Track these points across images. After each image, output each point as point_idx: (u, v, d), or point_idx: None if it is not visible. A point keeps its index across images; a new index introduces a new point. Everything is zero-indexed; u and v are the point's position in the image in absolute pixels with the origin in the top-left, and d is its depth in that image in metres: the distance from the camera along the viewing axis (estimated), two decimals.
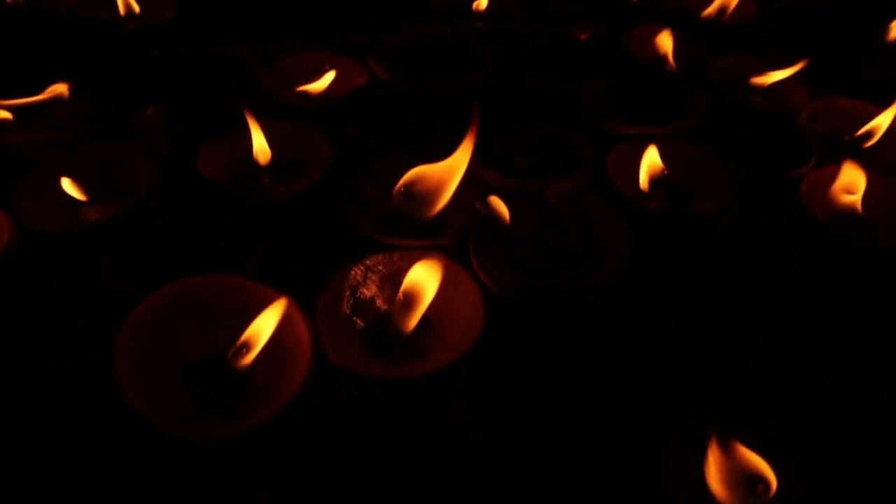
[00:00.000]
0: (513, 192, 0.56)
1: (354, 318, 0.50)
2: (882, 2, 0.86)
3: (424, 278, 0.48)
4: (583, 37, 0.85)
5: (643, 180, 0.61)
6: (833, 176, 0.64)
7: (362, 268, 0.52)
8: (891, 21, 0.84)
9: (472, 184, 0.58)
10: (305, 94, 0.70)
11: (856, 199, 0.61)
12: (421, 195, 0.55)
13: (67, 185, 0.56)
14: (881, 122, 0.69)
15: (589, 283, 0.50)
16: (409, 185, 0.55)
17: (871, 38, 0.85)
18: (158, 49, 0.74)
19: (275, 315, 0.45)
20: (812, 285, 0.57)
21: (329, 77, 0.70)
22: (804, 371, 0.53)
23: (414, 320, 0.48)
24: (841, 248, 0.59)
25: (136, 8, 0.79)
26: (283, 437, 0.43)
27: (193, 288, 0.47)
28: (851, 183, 0.62)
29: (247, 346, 0.44)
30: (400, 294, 0.48)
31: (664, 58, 0.78)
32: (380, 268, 0.52)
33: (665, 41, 0.78)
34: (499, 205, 0.54)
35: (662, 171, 0.61)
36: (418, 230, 0.55)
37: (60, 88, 0.62)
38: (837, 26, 0.87)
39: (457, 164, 0.53)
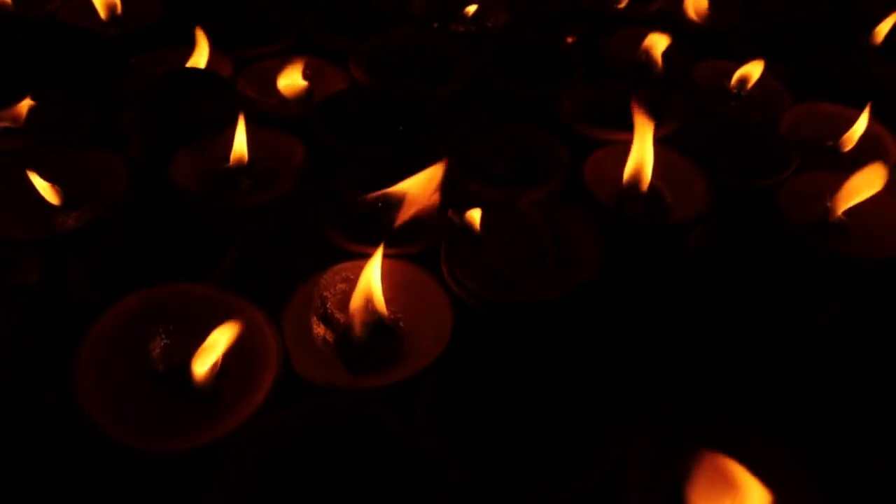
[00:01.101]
0: (487, 200, 0.56)
1: (323, 329, 0.50)
2: (864, 7, 0.86)
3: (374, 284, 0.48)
4: (569, 40, 0.85)
5: (627, 176, 0.61)
6: (812, 182, 0.64)
7: (330, 277, 0.52)
8: (873, 26, 0.83)
9: (447, 190, 0.58)
10: (282, 101, 0.70)
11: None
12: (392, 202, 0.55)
13: (43, 187, 0.55)
14: (856, 128, 0.69)
15: (559, 292, 0.49)
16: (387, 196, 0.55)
17: (854, 42, 0.84)
18: (139, 55, 0.74)
19: (231, 330, 0.45)
20: (788, 295, 0.57)
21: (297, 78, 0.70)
22: (779, 380, 0.53)
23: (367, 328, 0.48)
24: (818, 258, 0.58)
25: (120, 11, 0.79)
26: (250, 446, 0.43)
27: (158, 298, 0.47)
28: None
29: (206, 357, 0.44)
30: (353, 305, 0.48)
31: (645, 63, 0.78)
32: (349, 277, 0.52)
33: (646, 45, 0.78)
34: (471, 213, 0.54)
35: (643, 178, 0.61)
36: (389, 238, 0.54)
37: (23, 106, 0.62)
38: (820, 31, 0.86)
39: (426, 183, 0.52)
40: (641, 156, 0.59)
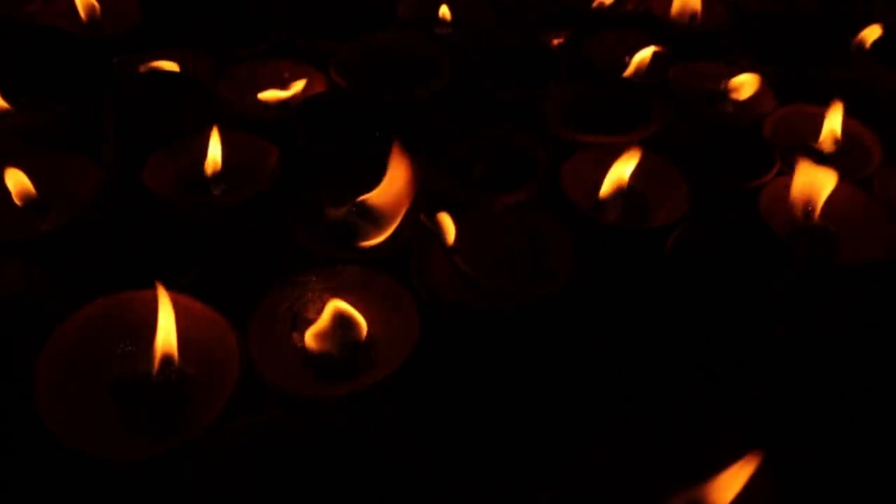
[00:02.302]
0: (461, 203, 0.55)
1: (291, 335, 0.49)
2: (851, 9, 0.85)
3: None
4: (555, 42, 0.84)
5: (605, 189, 0.60)
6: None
7: (301, 283, 0.51)
8: (860, 28, 0.82)
9: (421, 193, 0.57)
10: (262, 104, 0.69)
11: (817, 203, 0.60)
12: (375, 214, 0.54)
13: (16, 189, 0.55)
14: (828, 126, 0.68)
15: (526, 301, 0.49)
16: (363, 203, 0.54)
17: (841, 45, 0.83)
18: (118, 58, 0.73)
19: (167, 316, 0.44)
20: (769, 300, 0.56)
21: (298, 86, 0.69)
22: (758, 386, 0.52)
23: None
24: (800, 262, 0.57)
25: (99, 14, 0.78)
26: (214, 454, 0.42)
27: (121, 305, 0.46)
28: (809, 185, 0.61)
29: (167, 360, 0.43)
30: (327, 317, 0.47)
31: (628, 64, 0.77)
32: (320, 283, 0.51)
33: (631, 47, 0.77)
34: (444, 217, 0.53)
35: (624, 184, 0.60)
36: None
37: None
38: (809, 32, 0.85)
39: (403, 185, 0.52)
40: (621, 172, 0.59)
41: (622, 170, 0.59)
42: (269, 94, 0.69)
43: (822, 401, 0.51)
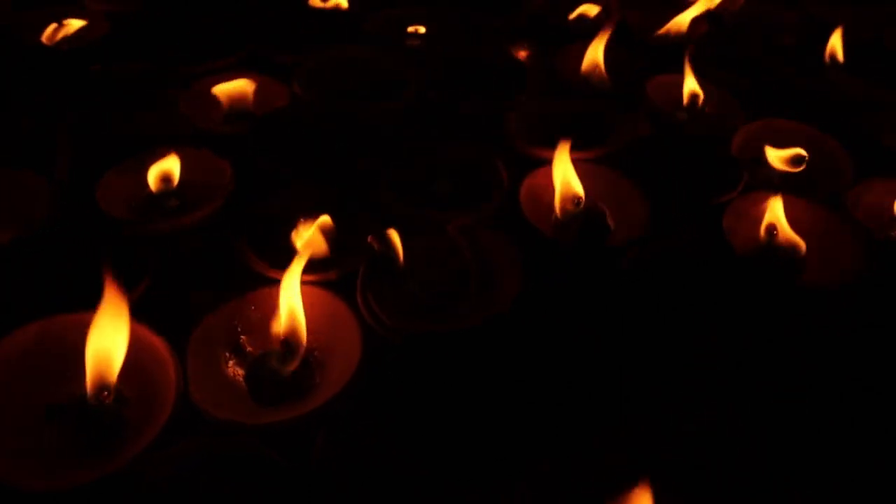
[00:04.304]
0: (413, 223, 0.55)
1: (232, 358, 0.49)
2: (824, 22, 0.84)
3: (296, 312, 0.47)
4: (523, 55, 0.83)
5: (558, 210, 0.59)
6: (760, 203, 0.61)
7: (244, 304, 0.50)
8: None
9: (371, 213, 0.57)
10: (222, 120, 0.68)
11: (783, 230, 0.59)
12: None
13: None
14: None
15: (474, 322, 0.48)
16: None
17: (812, 57, 0.82)
18: (84, 70, 0.73)
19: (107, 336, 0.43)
20: (723, 320, 0.55)
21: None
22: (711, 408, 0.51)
23: (296, 361, 0.47)
24: (760, 283, 0.56)
25: (70, 28, 0.78)
26: (149, 481, 0.42)
27: (54, 329, 0.45)
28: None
29: (102, 383, 0.43)
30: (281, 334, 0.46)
31: (598, 78, 0.76)
32: (263, 304, 0.50)
33: (599, 60, 0.76)
34: (394, 238, 0.52)
35: (579, 200, 0.59)
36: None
37: None
38: (781, 46, 0.84)
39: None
40: (566, 179, 0.58)
41: (570, 184, 0.58)
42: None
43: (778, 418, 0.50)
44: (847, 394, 0.52)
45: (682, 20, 0.84)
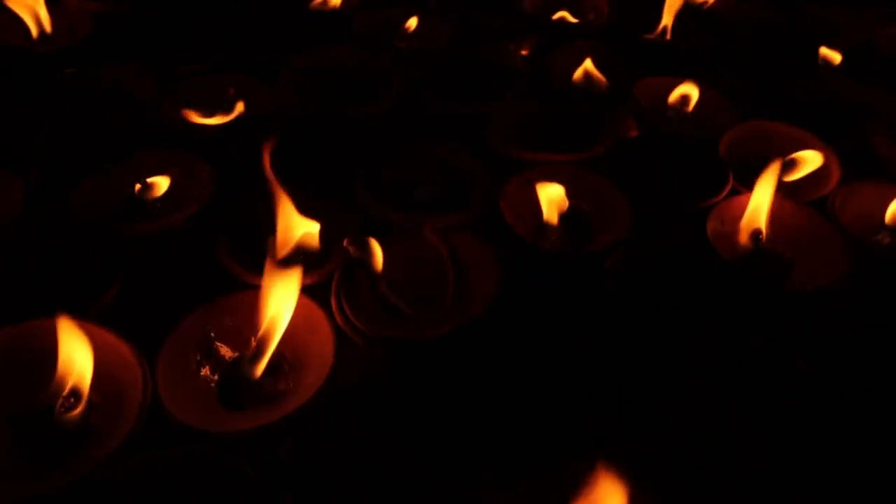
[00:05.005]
0: (391, 227, 0.54)
1: (205, 363, 0.48)
2: (817, 25, 0.83)
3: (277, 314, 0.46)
4: (523, 52, 0.82)
5: (546, 215, 0.58)
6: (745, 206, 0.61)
7: (218, 309, 0.49)
8: (828, 42, 0.80)
9: (349, 218, 0.56)
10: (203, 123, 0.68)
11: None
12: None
13: None
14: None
15: (447, 330, 0.47)
16: None
17: (812, 57, 0.81)
18: (59, 74, 0.72)
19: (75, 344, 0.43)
20: (711, 324, 0.54)
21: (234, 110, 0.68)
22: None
23: (262, 365, 0.46)
24: (744, 288, 0.55)
25: (49, 29, 0.77)
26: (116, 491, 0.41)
27: (21, 335, 0.45)
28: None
29: (63, 388, 0.42)
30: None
31: (586, 79, 0.75)
32: (238, 309, 0.50)
33: (587, 62, 0.75)
34: (372, 244, 0.51)
35: (563, 206, 0.58)
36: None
37: None
38: (775, 46, 0.83)
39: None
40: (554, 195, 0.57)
41: (554, 192, 0.57)
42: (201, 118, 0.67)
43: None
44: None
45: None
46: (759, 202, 0.58)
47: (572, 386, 0.50)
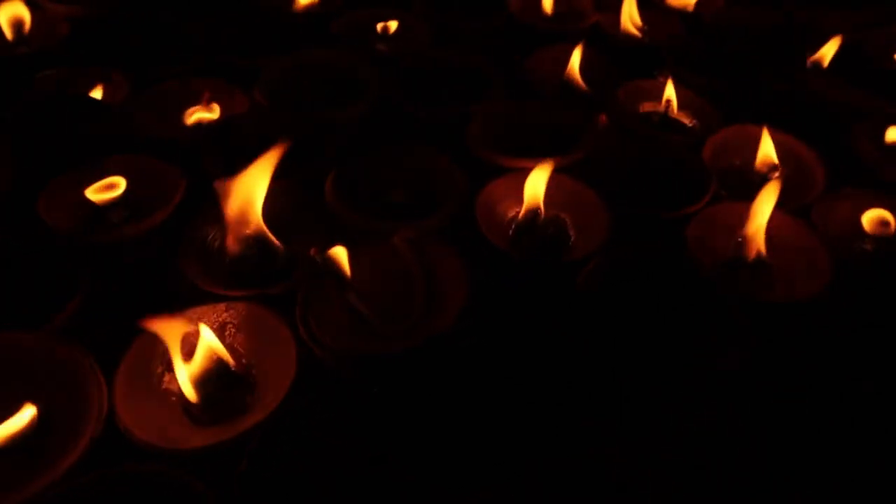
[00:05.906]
0: (361, 236, 0.53)
1: (169, 377, 0.47)
2: (806, 28, 0.81)
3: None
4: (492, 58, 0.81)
5: (522, 216, 0.57)
6: (727, 214, 0.59)
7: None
8: (816, 43, 0.79)
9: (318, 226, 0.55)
10: (178, 126, 0.67)
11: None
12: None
13: None
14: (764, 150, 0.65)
15: (413, 344, 0.46)
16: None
17: (798, 60, 0.79)
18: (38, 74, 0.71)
19: None
20: (688, 337, 0.53)
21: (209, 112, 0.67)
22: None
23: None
24: (724, 299, 0.54)
25: (27, 30, 0.76)
26: None
27: None
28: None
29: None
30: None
31: (567, 82, 0.74)
32: (205, 320, 0.49)
33: (571, 64, 0.74)
34: (338, 252, 0.50)
35: (539, 210, 0.57)
36: (251, 279, 0.51)
37: None
38: (763, 47, 0.82)
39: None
40: (535, 193, 0.56)
41: (534, 192, 0.56)
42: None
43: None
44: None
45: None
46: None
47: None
